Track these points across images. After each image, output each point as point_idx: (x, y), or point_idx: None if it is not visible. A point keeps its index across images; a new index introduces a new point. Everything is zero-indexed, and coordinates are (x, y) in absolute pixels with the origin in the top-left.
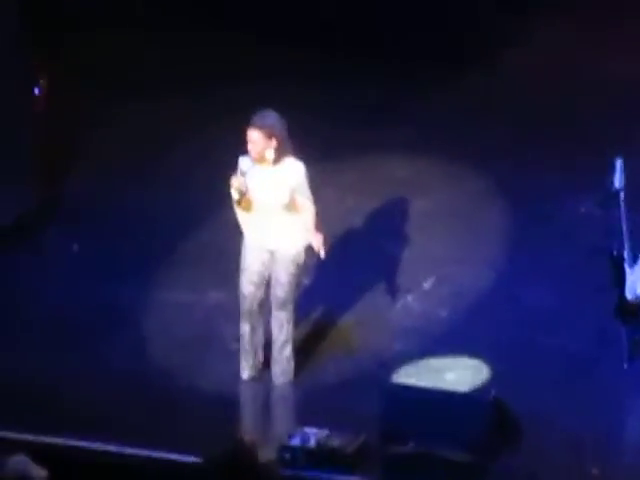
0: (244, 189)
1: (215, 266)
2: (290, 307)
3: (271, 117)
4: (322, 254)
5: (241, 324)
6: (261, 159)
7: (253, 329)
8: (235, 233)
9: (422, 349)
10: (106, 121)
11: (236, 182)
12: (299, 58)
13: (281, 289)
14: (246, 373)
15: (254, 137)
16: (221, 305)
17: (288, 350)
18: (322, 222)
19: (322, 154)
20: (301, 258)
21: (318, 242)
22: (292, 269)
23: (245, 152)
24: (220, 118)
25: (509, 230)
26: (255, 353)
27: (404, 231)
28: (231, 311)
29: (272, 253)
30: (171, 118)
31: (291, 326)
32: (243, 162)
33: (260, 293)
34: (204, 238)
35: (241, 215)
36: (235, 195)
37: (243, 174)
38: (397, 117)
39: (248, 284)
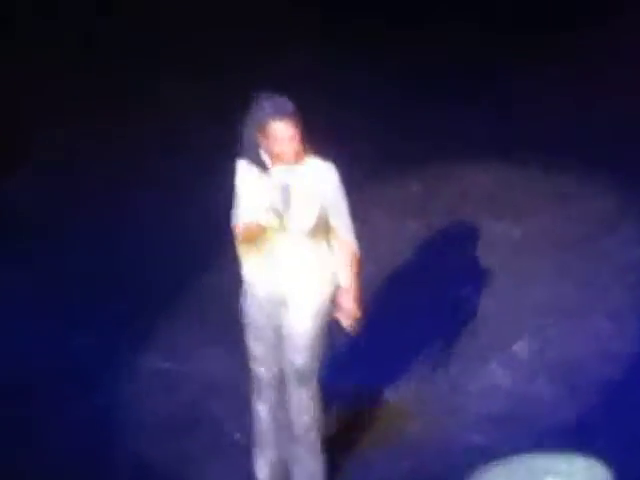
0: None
1: (212, 318)
2: (314, 381)
3: (285, 99)
4: (352, 329)
5: (254, 402)
6: (297, 160)
7: (272, 409)
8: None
9: (510, 442)
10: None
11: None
12: None
13: (300, 355)
14: (264, 473)
15: (292, 130)
16: (219, 373)
17: (313, 442)
18: (367, 259)
19: (368, 164)
20: (328, 309)
21: (349, 308)
22: (316, 325)
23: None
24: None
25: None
26: (276, 444)
27: (484, 268)
28: (232, 383)
29: (285, 303)
30: None
31: (317, 408)
32: (248, 168)
33: (278, 357)
34: (196, 280)
35: (247, 246)
36: (245, 217)
37: (254, 185)
38: (469, 113)
39: (257, 343)
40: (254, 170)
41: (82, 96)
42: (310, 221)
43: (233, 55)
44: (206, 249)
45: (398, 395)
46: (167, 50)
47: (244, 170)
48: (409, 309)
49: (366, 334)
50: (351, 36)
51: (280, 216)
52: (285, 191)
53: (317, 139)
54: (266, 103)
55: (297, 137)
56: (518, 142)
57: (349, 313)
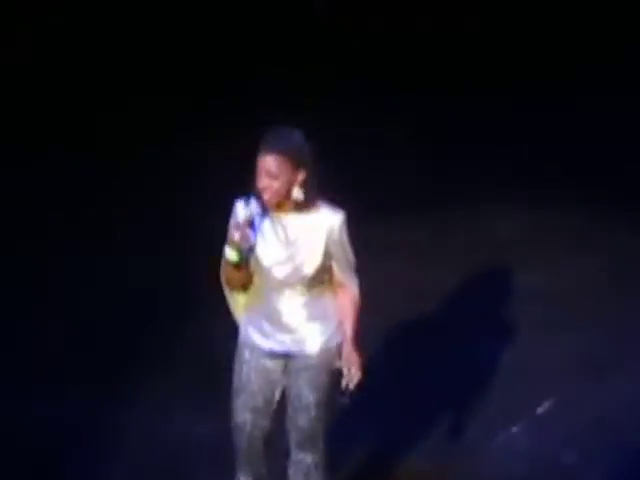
0: (248, 247)
1: (199, 375)
2: (320, 445)
3: (296, 137)
4: (351, 385)
5: (237, 475)
6: (281, 203)
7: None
8: (228, 326)
9: None
10: None
11: (237, 235)
12: None
13: (305, 417)
14: None
15: (274, 167)
16: (206, 440)
17: None
18: (378, 311)
19: (383, 209)
20: (333, 364)
21: (350, 362)
22: (321, 383)
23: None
24: None
25: None
26: None
27: (506, 321)
28: (221, 450)
29: (286, 360)
30: None
31: (323, 474)
32: (244, 209)
33: (265, 425)
34: (184, 331)
35: (235, 296)
36: (233, 256)
37: (250, 225)
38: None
39: (244, 411)
40: (252, 209)
41: None
42: (311, 268)
43: None
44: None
45: (412, 460)
46: None
47: (239, 209)
48: (424, 366)
49: (377, 394)
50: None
51: (244, 256)
52: (277, 235)
53: (330, 186)
54: (265, 136)
55: (280, 177)
56: (544, 186)
57: (350, 358)
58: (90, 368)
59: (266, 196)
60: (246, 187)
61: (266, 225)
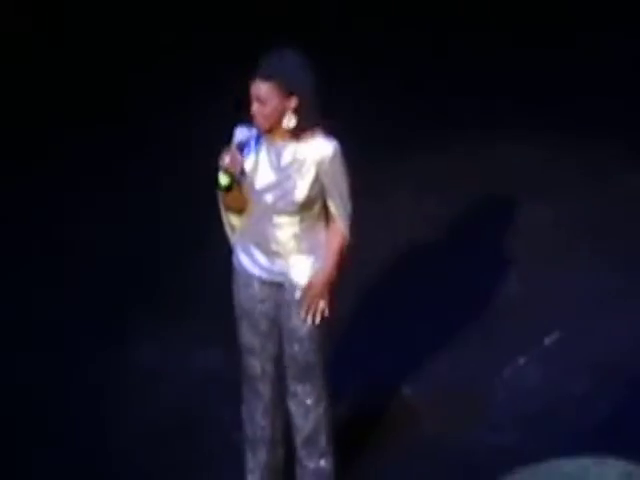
0: (238, 171)
1: (205, 310)
2: (318, 374)
3: (290, 62)
4: (309, 320)
5: (248, 400)
6: (272, 129)
7: (266, 408)
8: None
9: (542, 445)
10: None
11: (227, 159)
12: None
13: (298, 349)
14: (255, 477)
15: (263, 92)
16: (215, 372)
17: (322, 445)
18: (383, 242)
19: (389, 139)
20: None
21: (313, 294)
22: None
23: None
24: None
25: None
26: (274, 451)
27: (512, 253)
28: (231, 381)
29: (277, 289)
30: None
31: (323, 407)
32: (241, 133)
33: (274, 349)
34: (188, 270)
35: (230, 219)
36: (223, 180)
37: (240, 149)
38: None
39: (251, 334)
40: (247, 133)
41: None
42: (300, 195)
43: None
44: (195, 234)
45: (415, 392)
46: None
47: (240, 131)
48: (428, 298)
49: (381, 325)
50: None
51: (234, 179)
52: (253, 161)
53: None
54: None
55: (269, 102)
56: (552, 118)
57: (314, 294)
58: (98, 308)
59: (256, 121)
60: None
61: (259, 150)
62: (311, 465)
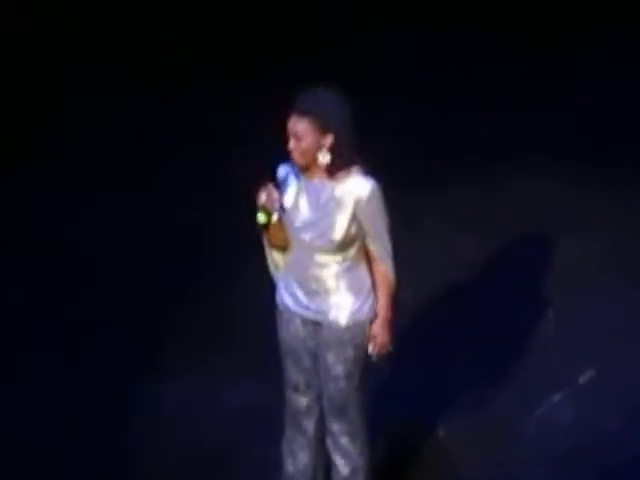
0: (275, 209)
1: (241, 344)
2: (352, 416)
3: (326, 99)
4: (380, 360)
5: (286, 440)
6: (308, 165)
7: (310, 443)
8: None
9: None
10: None
11: (264, 196)
12: None
13: (333, 388)
14: None
15: (299, 128)
16: (251, 407)
17: None
18: (415, 277)
19: (422, 172)
20: (365, 334)
21: (381, 338)
22: (349, 356)
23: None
24: None
25: None
26: None
27: (545, 289)
28: (268, 417)
29: (315, 327)
30: None
31: (359, 447)
32: (282, 170)
33: (318, 386)
34: (224, 301)
35: (274, 257)
36: (260, 218)
37: (279, 186)
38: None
39: (295, 371)
40: (286, 171)
41: None
42: (338, 234)
43: None
44: (238, 267)
45: (450, 432)
46: None
47: (280, 170)
48: (462, 336)
49: (417, 362)
50: None
51: (270, 217)
52: (293, 197)
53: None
54: (297, 96)
55: (305, 138)
56: (581, 153)
57: (380, 343)
58: (133, 337)
59: (293, 157)
60: None
61: (298, 187)
62: None
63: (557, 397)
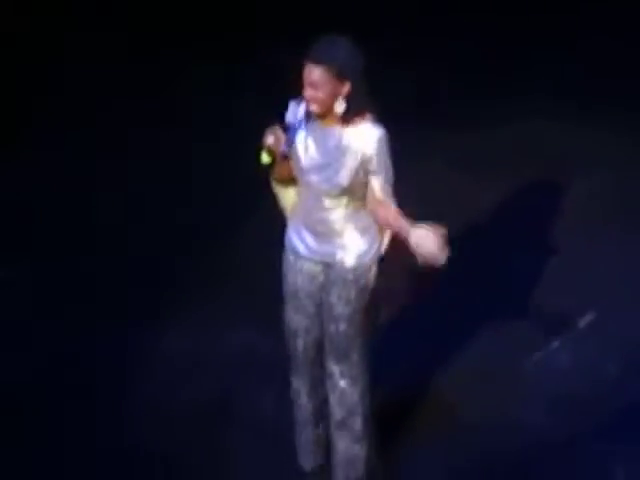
0: (279, 150)
1: (241, 290)
2: (355, 358)
3: (342, 47)
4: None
5: (293, 381)
6: (324, 112)
7: (312, 386)
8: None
9: (572, 425)
10: None
11: (271, 136)
12: None
13: (334, 328)
14: (308, 462)
15: (316, 77)
16: (252, 351)
17: (357, 429)
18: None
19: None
20: (370, 277)
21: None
22: (352, 297)
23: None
24: None
25: None
26: (317, 422)
27: (543, 231)
28: (268, 361)
29: (324, 267)
30: None
31: (359, 392)
32: (293, 110)
33: (317, 329)
34: (224, 248)
35: (283, 192)
36: (265, 158)
37: (288, 128)
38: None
39: (297, 316)
40: (299, 112)
41: None
42: (345, 179)
43: None
44: (234, 212)
45: (451, 375)
46: None
47: (291, 109)
48: (461, 282)
49: (416, 309)
50: None
51: (274, 158)
52: (303, 142)
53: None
54: (312, 45)
55: (323, 87)
56: (587, 94)
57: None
58: (129, 292)
59: (312, 107)
60: None
61: (308, 130)
62: (343, 449)
63: (556, 342)
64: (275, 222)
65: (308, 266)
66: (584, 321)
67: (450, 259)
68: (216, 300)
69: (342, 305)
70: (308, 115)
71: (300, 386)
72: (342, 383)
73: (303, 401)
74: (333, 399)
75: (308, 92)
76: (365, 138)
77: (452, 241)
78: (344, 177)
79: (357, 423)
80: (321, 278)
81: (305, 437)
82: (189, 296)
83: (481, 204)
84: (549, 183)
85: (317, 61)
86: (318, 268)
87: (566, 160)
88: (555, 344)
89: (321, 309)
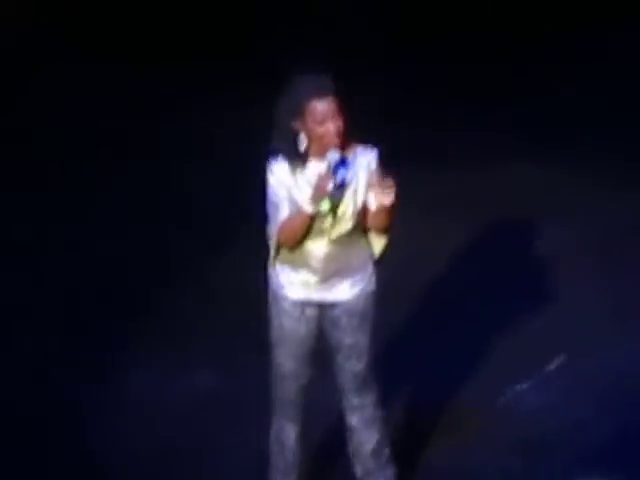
0: (337, 193)
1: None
2: (375, 386)
3: (327, 78)
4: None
5: (276, 424)
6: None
7: (300, 429)
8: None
9: (545, 468)
10: None
11: (330, 185)
12: None
13: (361, 362)
14: None
15: (335, 108)
16: (217, 393)
17: (386, 458)
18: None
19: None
20: (372, 304)
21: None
22: (369, 326)
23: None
24: None
25: None
26: (301, 476)
27: (525, 276)
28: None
29: (322, 309)
30: None
31: (381, 418)
32: (332, 156)
33: (310, 372)
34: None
35: (286, 246)
36: (325, 205)
37: (333, 171)
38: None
39: (291, 360)
40: (289, 165)
41: None
42: (355, 215)
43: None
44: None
45: (419, 416)
46: None
47: (279, 168)
48: (437, 319)
49: (388, 350)
50: None
51: (334, 202)
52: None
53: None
54: (305, 83)
55: (342, 116)
56: (566, 142)
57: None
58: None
59: (338, 139)
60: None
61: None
62: (381, 477)
63: (526, 384)
64: (245, 265)
65: (304, 310)
66: (554, 364)
67: (421, 301)
68: (184, 342)
69: (364, 336)
70: (342, 156)
71: (290, 430)
72: (376, 410)
73: (290, 444)
74: (364, 431)
75: (337, 123)
76: (369, 160)
77: (425, 284)
78: (357, 206)
79: (387, 450)
80: (316, 321)
81: None
82: (157, 336)
83: (456, 249)
84: (519, 226)
85: (330, 93)
86: (314, 310)
87: (543, 203)
88: (524, 386)
89: (312, 353)
